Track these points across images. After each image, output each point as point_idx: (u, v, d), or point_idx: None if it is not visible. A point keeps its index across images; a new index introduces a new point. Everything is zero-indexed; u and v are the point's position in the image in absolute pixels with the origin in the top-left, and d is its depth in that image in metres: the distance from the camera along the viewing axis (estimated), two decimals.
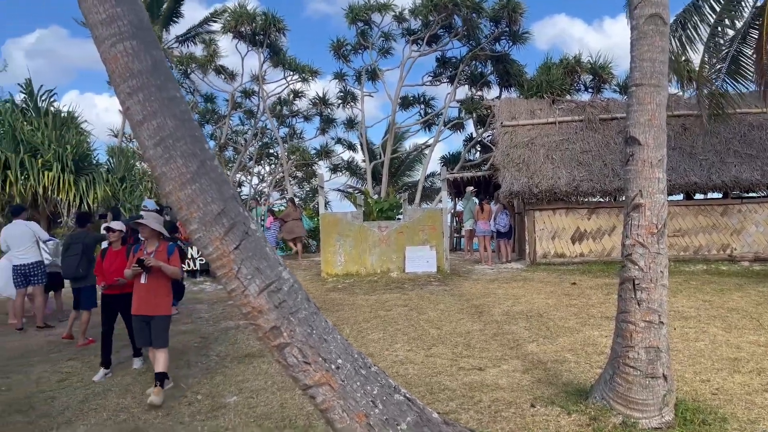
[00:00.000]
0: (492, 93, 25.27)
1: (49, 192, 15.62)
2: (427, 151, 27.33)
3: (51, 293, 9.48)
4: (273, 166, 31.66)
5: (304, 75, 26.02)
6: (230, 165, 28.61)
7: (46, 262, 9.09)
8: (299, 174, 31.96)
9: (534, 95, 18.68)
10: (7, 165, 15.07)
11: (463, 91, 25.83)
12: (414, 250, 12.85)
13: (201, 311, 9.67)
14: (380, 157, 26.94)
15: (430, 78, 26.17)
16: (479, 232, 14.91)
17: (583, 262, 13.78)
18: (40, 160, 15.47)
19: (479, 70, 25.13)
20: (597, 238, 14.08)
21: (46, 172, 15.39)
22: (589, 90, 22.11)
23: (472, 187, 16.65)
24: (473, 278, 12.34)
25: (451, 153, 27.67)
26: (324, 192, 14.68)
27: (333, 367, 3.03)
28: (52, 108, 17.46)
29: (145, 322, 5.38)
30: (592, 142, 14.85)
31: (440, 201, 17.38)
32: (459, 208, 20.89)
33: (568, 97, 19.04)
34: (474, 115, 24.87)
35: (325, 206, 14.36)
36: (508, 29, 23.13)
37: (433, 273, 12.51)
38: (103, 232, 8.16)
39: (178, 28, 25.02)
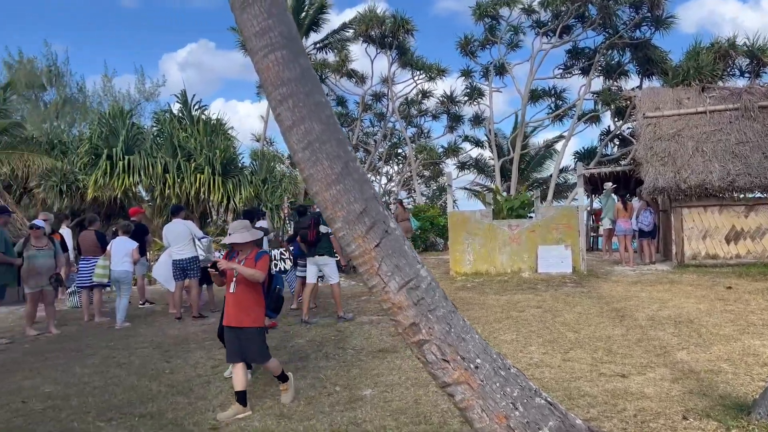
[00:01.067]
0: (631, 83, 23.78)
1: (201, 193, 17.14)
2: (559, 147, 26.34)
3: (204, 286, 10.35)
4: (401, 165, 32.20)
5: (431, 74, 26.18)
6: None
7: (200, 257, 9.92)
8: (426, 173, 32.21)
9: (680, 83, 17.25)
10: (167, 169, 16.75)
11: (598, 83, 24.57)
12: (547, 249, 12.43)
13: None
14: (509, 154, 26.39)
15: (561, 70, 25.18)
16: (619, 231, 14.07)
17: (740, 264, 12.51)
18: (193, 164, 17.01)
19: (616, 59, 23.73)
20: (756, 238, 12.72)
21: (198, 175, 16.91)
22: (746, 75, 20.01)
23: (610, 183, 15.76)
24: (613, 280, 11.68)
25: (585, 148, 26.41)
26: (452, 190, 14.67)
27: (472, 366, 3.02)
28: (203, 116, 19.14)
29: (235, 335, 5.08)
30: (749, 133, 13.42)
31: (575, 198, 16.66)
32: (596, 205, 19.88)
33: (720, 83, 17.38)
34: (611, 107, 23.53)
35: (453, 205, 14.32)
36: (650, 14, 21.61)
37: (568, 274, 12.02)
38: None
39: (313, 35, 26.11)
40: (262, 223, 10.15)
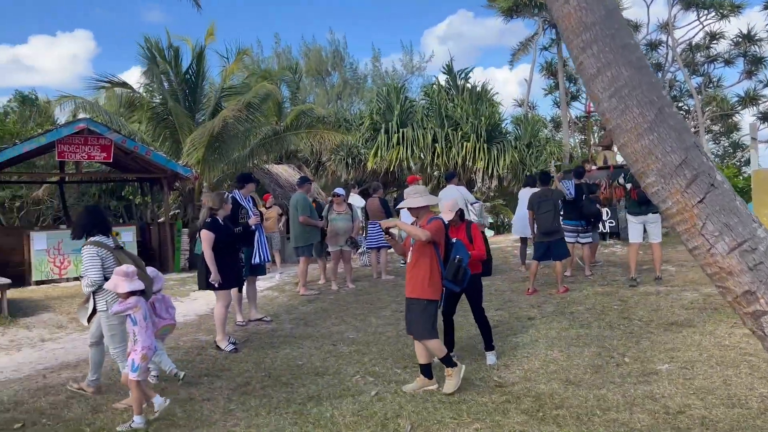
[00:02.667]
0: None
1: (467, 161, 17.61)
2: None
3: None
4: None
5: (722, 11, 22.59)
6: None
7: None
8: (716, 127, 28.15)
9: None
10: (435, 139, 17.58)
11: None
12: None
13: (615, 274, 9.44)
14: None
15: None
16: None
17: None
18: (460, 133, 17.54)
19: None
20: None
21: (464, 143, 17.40)
22: None
23: None
24: None
25: None
26: (756, 144, 12.45)
27: None
28: (467, 85, 19.55)
29: (408, 305, 4.99)
30: None
31: None
32: None
33: None
34: None
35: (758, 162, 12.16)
36: None
37: None
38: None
39: None
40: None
